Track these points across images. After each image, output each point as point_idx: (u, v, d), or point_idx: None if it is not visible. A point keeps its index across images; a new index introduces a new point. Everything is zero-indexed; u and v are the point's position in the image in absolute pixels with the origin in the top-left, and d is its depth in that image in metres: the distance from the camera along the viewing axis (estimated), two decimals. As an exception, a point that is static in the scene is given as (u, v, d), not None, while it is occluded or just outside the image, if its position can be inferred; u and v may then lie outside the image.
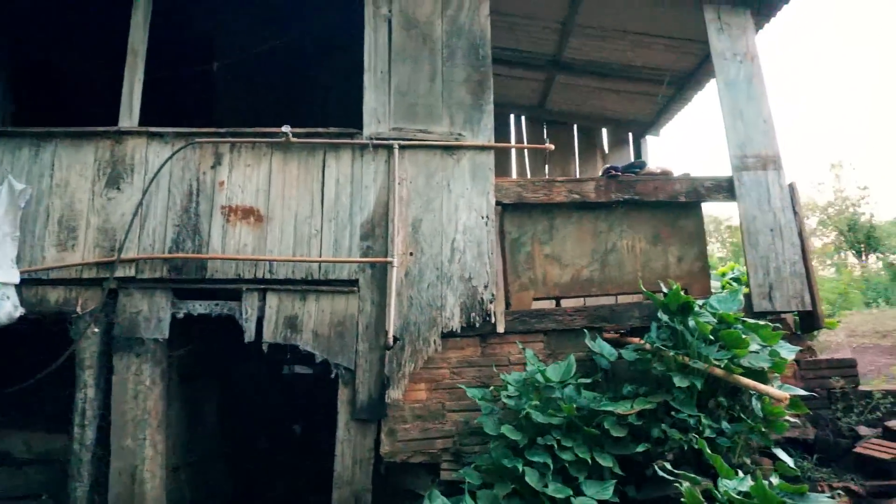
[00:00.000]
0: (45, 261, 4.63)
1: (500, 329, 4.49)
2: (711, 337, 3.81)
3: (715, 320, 3.91)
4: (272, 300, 4.59)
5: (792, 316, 4.73)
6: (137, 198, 4.68)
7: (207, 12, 6.51)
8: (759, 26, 5.36)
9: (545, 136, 8.20)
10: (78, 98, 6.66)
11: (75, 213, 4.71)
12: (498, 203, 4.77)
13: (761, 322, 3.96)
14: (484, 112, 4.91)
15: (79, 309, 4.61)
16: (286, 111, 5.35)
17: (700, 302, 4.12)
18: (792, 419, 3.98)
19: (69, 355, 4.51)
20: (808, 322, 4.60)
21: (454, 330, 4.48)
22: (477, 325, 4.49)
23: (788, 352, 3.95)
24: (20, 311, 4.51)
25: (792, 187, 4.73)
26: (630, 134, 8.30)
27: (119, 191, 4.74)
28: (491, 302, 4.53)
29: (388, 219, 4.64)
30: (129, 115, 4.90)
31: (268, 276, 4.61)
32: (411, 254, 4.62)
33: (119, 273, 4.58)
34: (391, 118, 4.87)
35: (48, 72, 6.70)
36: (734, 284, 8.20)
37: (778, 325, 4.09)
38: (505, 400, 3.85)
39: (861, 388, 4.65)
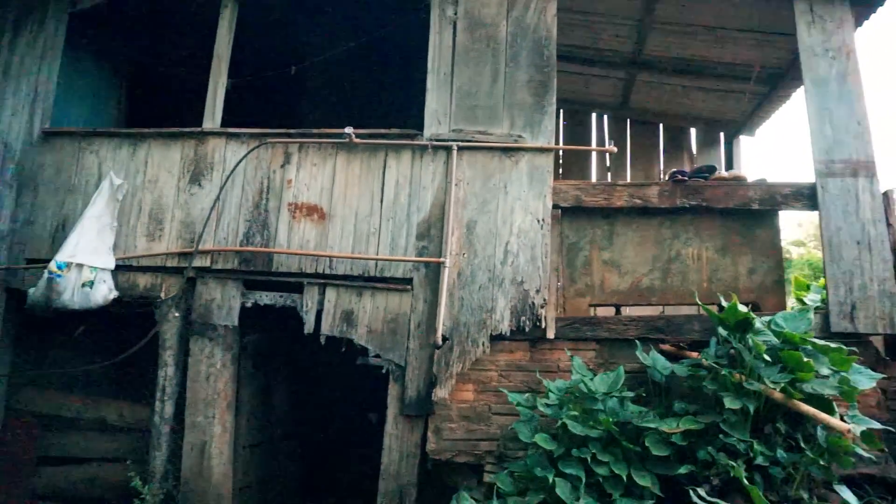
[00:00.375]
0: (137, 249, 5.12)
1: (550, 335, 4.41)
2: (769, 358, 3.53)
3: (777, 340, 3.62)
4: (331, 294, 4.79)
5: (883, 339, 4.27)
6: (215, 194, 5.05)
7: (289, 22, 6.89)
8: (860, 20, 4.87)
9: (628, 136, 7.93)
10: (177, 100, 7.25)
11: (162, 206, 5.16)
12: (556, 206, 4.68)
13: (833, 344, 3.61)
14: (545, 113, 4.82)
15: (162, 294, 5.06)
16: (362, 112, 5.56)
17: (766, 319, 3.83)
18: (868, 454, 3.61)
19: (153, 336, 4.97)
20: (897, 347, 4.15)
21: (503, 333, 4.46)
22: (527, 329, 4.44)
23: (867, 379, 3.59)
24: (114, 294, 5.02)
25: (887, 196, 4.26)
26: (721, 134, 7.81)
27: (200, 187, 5.13)
28: (542, 307, 4.46)
29: (443, 219, 4.69)
30: (213, 116, 5.29)
31: (328, 271, 4.82)
32: (464, 255, 4.64)
33: (197, 263, 4.97)
34: (452, 119, 4.91)
35: (154, 76, 7.35)
36: (806, 303, 7.53)
37: (854, 349, 3.71)
38: (542, 408, 3.79)
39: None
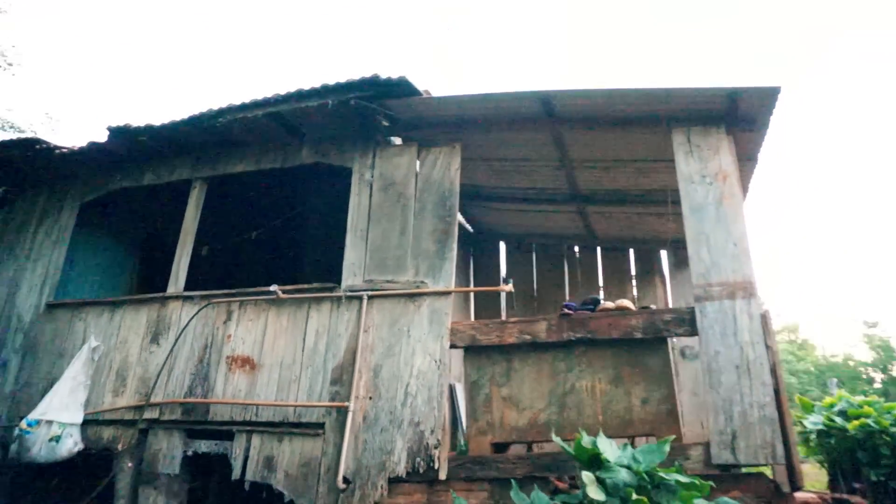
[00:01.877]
0: (103, 404, 5.74)
1: (442, 475, 4.46)
2: (612, 495, 3.43)
3: (627, 476, 3.52)
4: (256, 441, 5.11)
5: (786, 469, 3.98)
6: (168, 350, 5.68)
7: (243, 199, 7.94)
8: (747, 144, 5.05)
9: (599, 264, 8.07)
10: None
11: (128, 364, 5.83)
12: (454, 346, 4.90)
13: (684, 479, 3.45)
14: (446, 259, 5.20)
15: (119, 446, 5.57)
16: (296, 268, 6.17)
17: (630, 452, 3.74)
18: None
19: (109, 483, 5.43)
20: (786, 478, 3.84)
21: (400, 475, 4.55)
22: (421, 470, 4.51)
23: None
24: (79, 447, 5.59)
25: (765, 317, 4.17)
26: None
27: (158, 345, 5.79)
28: (436, 447, 4.55)
29: (354, 365, 5.01)
30: (176, 282, 6.07)
31: (254, 418, 5.18)
32: (370, 398, 4.88)
33: (147, 415, 5.50)
34: (366, 271, 5.38)
35: (163, 243, 8.48)
36: (806, 426, 6.97)
37: (711, 483, 3.52)
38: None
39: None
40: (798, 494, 4.43)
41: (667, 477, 3.49)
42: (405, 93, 5.40)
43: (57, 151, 6.53)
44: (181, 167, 6.60)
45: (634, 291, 7.85)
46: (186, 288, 6.05)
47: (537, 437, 4.61)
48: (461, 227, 8.48)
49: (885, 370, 23.67)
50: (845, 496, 6.16)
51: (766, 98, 4.72)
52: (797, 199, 50.73)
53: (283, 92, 5.66)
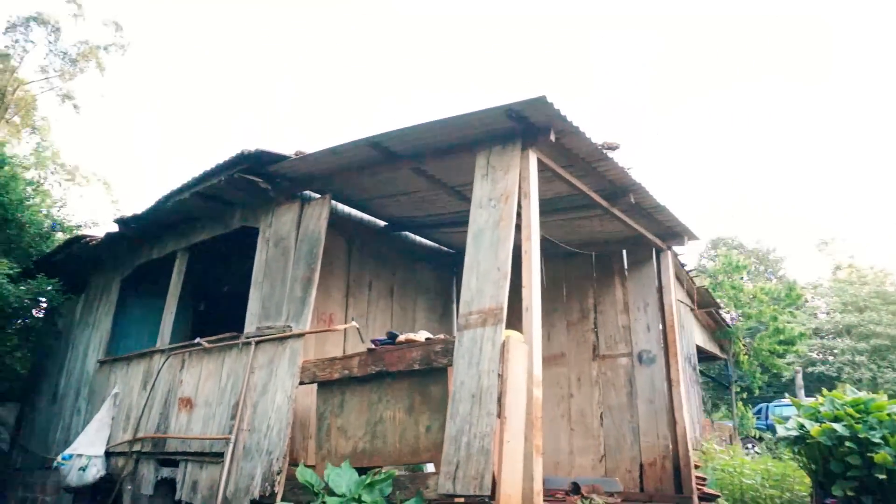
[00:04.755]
0: (116, 439, 7.38)
1: (279, 500, 5.10)
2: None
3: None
4: (189, 468, 6.25)
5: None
6: (147, 394, 7.12)
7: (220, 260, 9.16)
8: (527, 159, 4.91)
9: (563, 271, 7.90)
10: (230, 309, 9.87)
11: (131, 406, 7.41)
12: (302, 382, 5.51)
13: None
14: (306, 304, 5.83)
15: (123, 473, 7.14)
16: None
17: (355, 484, 4.07)
18: None
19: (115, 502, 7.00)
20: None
21: (255, 498, 5.30)
22: (268, 493, 5.21)
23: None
24: (101, 474, 7.27)
25: (504, 345, 4.12)
26: (653, 250, 7.26)
27: (145, 390, 7.28)
28: (278, 473, 5.22)
29: (243, 402, 5.90)
30: (162, 338, 7.53)
31: (188, 449, 6.33)
32: (249, 431, 5.72)
33: (136, 448, 6.98)
34: (259, 319, 6.24)
35: (216, 294, 10.19)
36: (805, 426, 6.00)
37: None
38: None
39: None
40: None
41: None
42: (275, 159, 6.16)
43: (92, 244, 8.49)
44: (169, 242, 8.11)
45: (593, 297, 7.55)
46: (192, 337, 7.43)
47: (359, 463, 5.01)
48: (440, 251, 8.88)
49: None
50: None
51: (541, 108, 4.61)
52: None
53: (198, 173, 6.79)
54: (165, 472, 6.62)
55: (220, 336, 6.58)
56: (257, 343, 6.06)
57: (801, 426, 5.87)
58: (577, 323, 7.62)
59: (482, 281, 4.53)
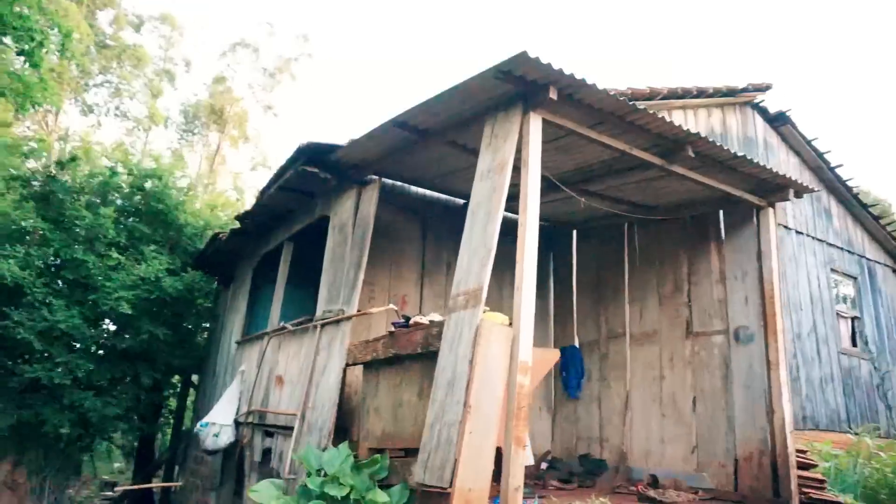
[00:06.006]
0: (241, 411, 8.36)
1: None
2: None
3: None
4: (277, 439, 6.87)
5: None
6: (256, 372, 7.93)
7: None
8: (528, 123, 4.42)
9: (655, 239, 7.07)
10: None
11: (250, 382, 8.33)
12: (347, 364, 5.70)
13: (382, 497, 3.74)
14: (356, 287, 6.00)
15: (244, 440, 8.07)
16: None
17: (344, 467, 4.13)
18: None
19: (239, 464, 7.96)
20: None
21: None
22: (317, 469, 5.51)
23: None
24: (231, 440, 8.30)
25: (479, 328, 3.82)
26: (754, 210, 6.15)
27: (258, 369, 8.11)
28: (324, 450, 5.48)
29: (310, 382, 6.30)
30: (272, 322, 8.31)
31: (278, 423, 6.94)
32: (312, 408, 6.09)
33: (250, 420, 7.84)
34: (325, 302, 6.58)
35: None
36: None
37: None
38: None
39: None
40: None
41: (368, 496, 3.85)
42: (329, 149, 6.42)
43: (223, 238, 9.64)
44: (278, 233, 8.88)
45: (686, 265, 6.63)
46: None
47: (385, 444, 5.08)
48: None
49: None
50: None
51: (529, 64, 4.17)
52: None
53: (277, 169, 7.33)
54: (268, 441, 7.35)
55: (300, 320, 7.07)
56: (322, 326, 6.41)
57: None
58: (670, 296, 6.78)
59: (472, 259, 4.26)
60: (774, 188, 5.88)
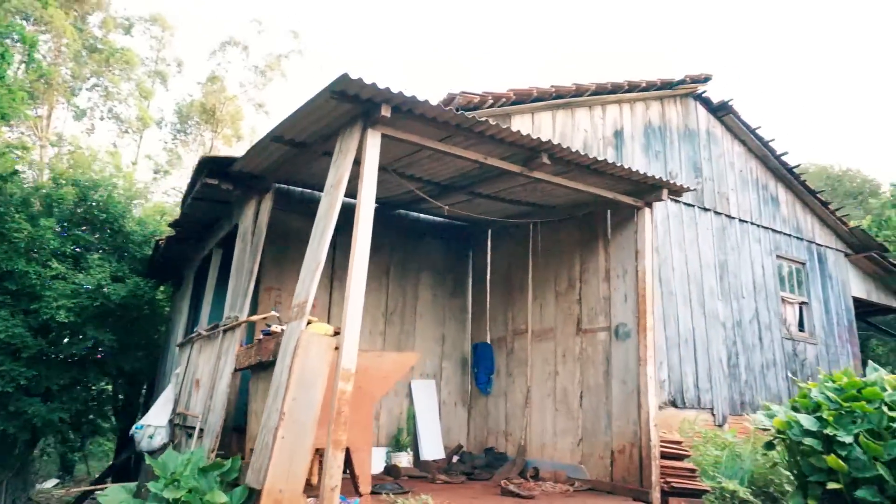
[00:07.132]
0: (174, 412, 8.63)
1: (208, 476, 5.62)
2: None
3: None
4: (194, 441, 7.13)
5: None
6: (183, 374, 8.19)
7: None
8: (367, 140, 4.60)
9: (554, 239, 7.23)
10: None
11: (181, 384, 8.60)
12: (236, 368, 5.94)
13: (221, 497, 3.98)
14: (247, 296, 6.23)
15: (176, 441, 8.35)
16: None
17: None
18: None
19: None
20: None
21: (202, 473, 5.89)
22: (206, 470, 5.77)
23: None
24: (165, 441, 8.59)
25: (298, 338, 4.02)
26: (635, 210, 6.30)
27: (186, 370, 8.37)
28: (212, 451, 5.73)
29: (212, 385, 6.55)
30: (200, 325, 8.57)
31: (194, 424, 7.20)
32: (211, 411, 6.35)
33: (178, 421, 8.12)
34: (229, 309, 6.81)
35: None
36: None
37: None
38: None
39: None
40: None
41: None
42: (228, 162, 6.62)
43: (162, 244, 9.89)
44: (208, 240, 9.12)
45: (578, 266, 6.79)
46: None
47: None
48: (452, 225, 8.67)
49: None
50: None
51: (358, 85, 4.34)
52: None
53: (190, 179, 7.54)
54: (191, 443, 7.63)
55: (210, 326, 7.32)
56: (224, 332, 6.65)
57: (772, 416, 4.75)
58: (565, 294, 6.96)
59: (305, 273, 4.47)
60: (648, 189, 6.02)
